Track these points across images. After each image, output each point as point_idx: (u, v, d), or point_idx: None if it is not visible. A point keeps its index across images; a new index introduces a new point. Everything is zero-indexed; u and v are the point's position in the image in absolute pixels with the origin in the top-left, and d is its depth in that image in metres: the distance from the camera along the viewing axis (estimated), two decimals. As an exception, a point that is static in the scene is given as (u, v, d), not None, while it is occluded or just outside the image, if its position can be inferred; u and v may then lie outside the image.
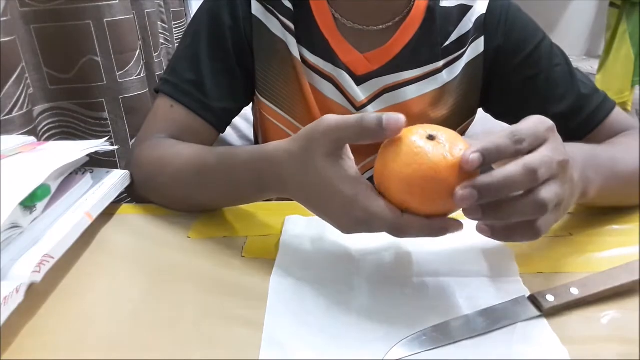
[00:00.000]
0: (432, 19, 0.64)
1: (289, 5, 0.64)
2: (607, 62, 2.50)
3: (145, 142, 0.61)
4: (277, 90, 0.67)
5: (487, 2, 0.64)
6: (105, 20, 0.85)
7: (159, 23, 1.15)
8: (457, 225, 0.38)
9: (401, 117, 0.37)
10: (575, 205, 0.50)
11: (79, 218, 0.47)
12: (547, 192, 0.36)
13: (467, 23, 0.64)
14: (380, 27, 0.64)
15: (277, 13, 0.64)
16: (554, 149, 0.37)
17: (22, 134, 0.74)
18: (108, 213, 0.53)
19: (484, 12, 0.64)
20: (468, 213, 0.36)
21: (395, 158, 0.38)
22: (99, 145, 0.55)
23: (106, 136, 0.91)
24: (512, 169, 0.35)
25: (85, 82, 0.88)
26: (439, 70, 0.65)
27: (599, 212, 0.53)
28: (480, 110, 0.72)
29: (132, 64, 0.92)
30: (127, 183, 0.57)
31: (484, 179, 0.35)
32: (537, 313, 0.39)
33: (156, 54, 1.08)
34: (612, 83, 2.45)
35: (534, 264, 0.46)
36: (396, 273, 0.45)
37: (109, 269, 0.46)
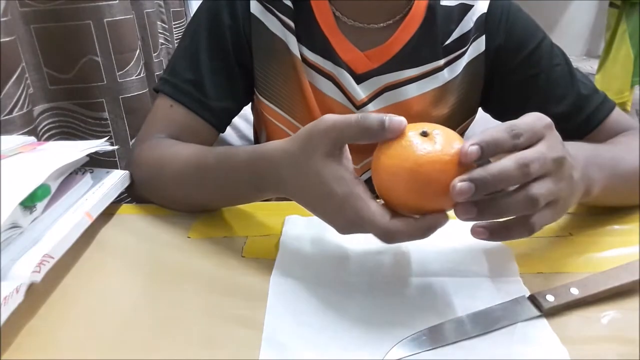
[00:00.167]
0: (433, 17, 0.64)
1: (289, 3, 0.64)
2: (607, 62, 2.50)
3: (145, 142, 0.61)
4: (276, 90, 0.67)
5: (488, 1, 0.64)
6: (105, 20, 0.85)
7: (159, 23, 1.15)
8: (443, 219, 0.37)
9: (403, 120, 0.38)
10: (576, 205, 0.50)
11: (79, 218, 0.47)
12: (539, 188, 0.36)
13: (468, 22, 0.64)
14: (381, 25, 0.64)
15: (276, 12, 0.64)
16: (550, 146, 0.37)
17: (22, 134, 0.74)
18: (108, 213, 0.53)
19: (485, 11, 0.64)
20: (463, 212, 0.36)
21: (385, 152, 0.38)
22: (99, 145, 0.55)
23: (106, 136, 0.91)
24: (505, 162, 0.35)
25: (85, 82, 0.88)
26: (440, 69, 0.65)
27: (599, 212, 0.53)
28: (480, 110, 0.72)
29: (132, 64, 0.92)
30: (127, 183, 0.57)
31: (479, 171, 0.35)
32: (537, 313, 0.39)
33: (155, 53, 1.08)
34: (611, 83, 2.45)
35: (534, 264, 0.46)
36: (396, 273, 0.45)
37: (109, 269, 0.47)
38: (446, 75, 0.65)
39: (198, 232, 0.52)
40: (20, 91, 0.74)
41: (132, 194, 0.60)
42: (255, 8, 0.64)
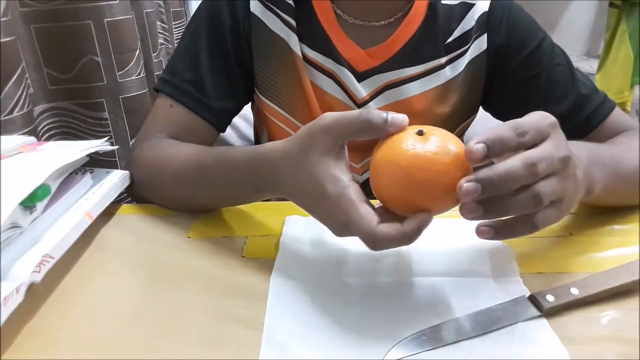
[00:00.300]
0: (434, 15, 0.64)
1: (290, 1, 0.64)
2: (607, 62, 2.51)
3: (144, 142, 0.61)
4: (277, 88, 0.67)
5: (489, 0, 0.64)
6: (105, 20, 0.85)
7: (158, 23, 1.15)
8: (426, 219, 0.37)
9: (406, 117, 0.38)
10: (576, 205, 0.50)
11: (79, 218, 0.47)
12: (544, 187, 0.36)
13: (470, 20, 0.64)
14: (382, 22, 0.64)
15: (277, 10, 0.64)
16: (556, 145, 0.37)
17: (22, 134, 0.74)
18: (108, 213, 0.53)
19: (486, 10, 0.64)
20: (468, 211, 0.36)
21: (381, 151, 0.38)
22: (99, 145, 0.55)
23: (106, 136, 0.91)
24: (512, 162, 0.35)
25: (85, 82, 0.88)
26: (441, 67, 0.65)
27: (599, 212, 0.53)
28: (480, 109, 0.72)
29: (132, 63, 0.92)
30: (127, 183, 0.57)
31: (486, 172, 0.35)
32: (537, 313, 0.39)
33: (155, 54, 1.08)
34: (611, 83, 2.45)
35: (534, 264, 0.46)
36: (396, 273, 0.45)
37: (109, 269, 0.47)
38: (448, 73, 0.65)
39: (198, 232, 0.52)
40: (20, 91, 0.74)
41: (132, 194, 0.60)
42: (255, 7, 0.64)
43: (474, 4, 0.65)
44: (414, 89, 0.65)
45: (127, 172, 0.58)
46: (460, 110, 0.69)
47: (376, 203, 0.40)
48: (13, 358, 0.36)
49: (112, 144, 0.58)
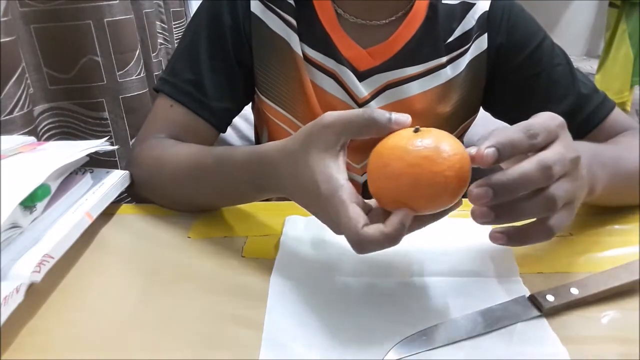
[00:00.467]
0: (435, 15, 0.64)
1: (291, 1, 0.64)
2: (607, 62, 2.51)
3: (144, 142, 0.61)
4: (277, 88, 0.67)
5: (490, 0, 0.64)
6: (105, 20, 0.85)
7: (158, 23, 1.15)
8: (406, 216, 0.36)
9: (409, 116, 0.38)
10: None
11: (79, 218, 0.47)
12: (558, 190, 0.36)
13: (470, 20, 0.64)
14: (383, 22, 0.64)
15: (278, 10, 0.64)
16: (566, 146, 0.37)
17: (22, 134, 0.74)
18: (108, 213, 0.53)
19: (487, 9, 0.64)
20: (479, 217, 0.36)
21: (378, 150, 0.38)
22: (99, 145, 0.55)
23: (106, 136, 0.91)
24: (526, 166, 0.35)
25: (85, 82, 0.88)
26: (442, 66, 0.65)
27: (599, 212, 0.53)
28: (480, 110, 0.72)
29: (132, 63, 0.92)
30: (127, 183, 0.57)
31: (498, 176, 0.34)
32: (537, 313, 0.39)
33: (154, 54, 1.08)
34: (611, 83, 2.45)
35: (534, 264, 0.46)
36: (396, 273, 0.45)
37: (109, 269, 0.47)
38: (449, 72, 0.65)
39: (198, 232, 0.52)
40: (20, 91, 0.74)
41: (132, 194, 0.61)
42: (255, 7, 0.64)
43: (474, 4, 0.65)
44: (414, 89, 0.65)
45: (127, 172, 0.58)
46: (461, 110, 0.69)
47: (373, 202, 0.40)
48: (13, 358, 0.36)
49: (112, 144, 0.58)
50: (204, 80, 0.63)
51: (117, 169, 0.58)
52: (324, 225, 0.41)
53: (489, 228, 0.49)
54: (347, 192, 0.37)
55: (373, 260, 0.46)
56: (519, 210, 0.36)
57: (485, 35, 0.64)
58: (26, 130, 0.76)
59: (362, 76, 0.65)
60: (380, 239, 0.35)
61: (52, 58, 0.86)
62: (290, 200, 0.44)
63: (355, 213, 0.36)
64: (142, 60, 0.95)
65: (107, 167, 0.58)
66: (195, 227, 0.53)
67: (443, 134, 0.37)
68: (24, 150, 0.53)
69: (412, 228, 0.37)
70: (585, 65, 3.14)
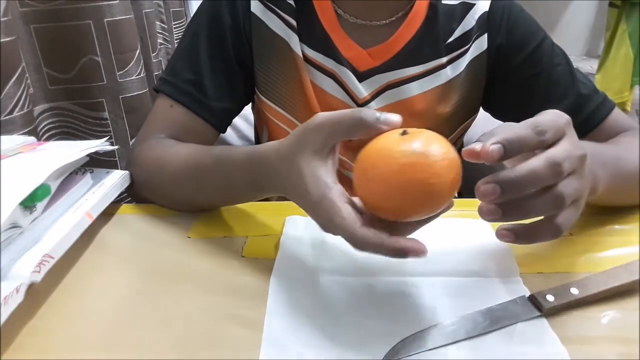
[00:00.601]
0: (435, 15, 0.64)
1: (291, 1, 0.64)
2: (607, 62, 2.51)
3: (144, 142, 0.61)
4: (277, 89, 0.67)
5: (490, 0, 0.64)
6: (105, 20, 0.85)
7: (158, 23, 1.15)
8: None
9: (400, 117, 0.37)
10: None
11: (79, 218, 0.47)
12: (567, 187, 0.36)
13: (470, 20, 0.64)
14: (383, 22, 0.64)
15: (278, 10, 0.64)
16: (574, 143, 0.37)
17: (22, 134, 0.74)
18: (108, 213, 0.53)
19: (487, 9, 0.64)
20: (486, 214, 0.35)
21: (363, 153, 0.37)
22: (99, 145, 0.55)
23: (106, 136, 0.91)
24: (535, 163, 0.34)
25: (85, 82, 0.88)
26: (442, 67, 0.65)
27: (599, 212, 0.53)
28: (480, 110, 0.72)
29: (132, 63, 0.92)
30: (127, 183, 0.57)
31: (506, 173, 0.34)
32: (537, 313, 0.39)
33: (154, 54, 1.08)
34: (611, 83, 2.45)
35: (534, 264, 0.46)
36: (396, 273, 0.45)
37: (109, 269, 0.47)
38: (449, 73, 0.65)
39: (198, 232, 0.52)
40: (20, 91, 0.74)
41: (132, 194, 0.61)
42: (255, 7, 0.64)
43: (474, 4, 0.65)
44: (414, 89, 0.65)
45: (127, 172, 0.58)
46: (461, 110, 0.69)
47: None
48: (13, 358, 0.36)
49: (112, 144, 0.58)
50: (204, 81, 0.63)
51: (117, 169, 0.58)
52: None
53: (489, 228, 0.50)
54: (336, 194, 0.37)
55: (373, 260, 0.46)
56: (527, 207, 0.35)
57: (485, 35, 0.64)
58: (26, 130, 0.76)
59: (362, 77, 0.65)
60: (378, 246, 0.35)
61: (52, 58, 0.85)
62: (290, 200, 0.44)
63: (350, 213, 0.36)
64: (142, 60, 0.95)
65: (107, 167, 0.58)
66: (195, 227, 0.53)
67: (431, 137, 0.36)
68: (24, 150, 0.53)
69: (405, 234, 0.37)
70: (585, 65, 3.14)
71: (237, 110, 0.70)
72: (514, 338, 0.37)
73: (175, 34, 1.30)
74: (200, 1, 0.68)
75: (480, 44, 0.65)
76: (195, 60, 0.63)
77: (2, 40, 0.70)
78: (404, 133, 0.36)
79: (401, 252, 0.35)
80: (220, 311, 0.41)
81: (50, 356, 0.37)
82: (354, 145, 0.40)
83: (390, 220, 0.37)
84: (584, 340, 0.37)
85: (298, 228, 0.51)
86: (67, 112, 0.90)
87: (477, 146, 0.35)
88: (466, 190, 0.90)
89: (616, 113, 0.63)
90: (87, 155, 0.53)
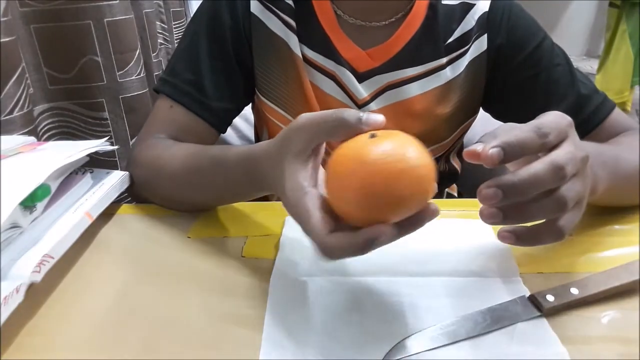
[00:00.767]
0: (434, 16, 0.64)
1: (290, 2, 0.64)
2: (607, 62, 2.51)
3: (144, 142, 0.61)
4: (277, 89, 0.67)
5: (490, 0, 0.64)
6: (105, 20, 0.85)
7: (158, 23, 1.15)
8: (383, 234, 0.33)
9: (383, 116, 0.36)
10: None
11: (79, 218, 0.47)
12: (569, 190, 0.35)
13: (470, 20, 0.64)
14: (383, 23, 0.64)
15: (277, 11, 0.64)
16: (576, 145, 0.37)
17: (22, 134, 0.74)
18: (108, 213, 0.53)
19: (487, 10, 0.64)
20: (487, 217, 0.35)
21: (333, 157, 0.36)
22: (99, 145, 0.55)
23: (106, 136, 0.91)
24: (538, 166, 0.34)
25: (85, 82, 0.88)
26: (442, 67, 0.65)
27: (599, 212, 0.53)
28: (480, 110, 0.72)
29: (132, 63, 0.92)
30: (126, 184, 0.57)
31: (509, 177, 0.34)
32: (537, 313, 0.39)
33: (154, 54, 1.08)
34: (611, 83, 2.45)
35: (534, 264, 0.46)
36: (396, 273, 0.45)
37: (109, 269, 0.47)
38: (448, 73, 0.65)
39: (198, 232, 0.52)
40: (20, 91, 0.74)
41: (132, 194, 0.61)
42: (255, 7, 0.64)
43: (474, 4, 0.65)
44: (414, 90, 0.65)
45: (127, 173, 0.58)
46: (461, 110, 0.69)
47: None
48: (13, 358, 0.36)
49: (112, 144, 0.58)
50: (204, 81, 0.63)
51: (117, 169, 0.58)
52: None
53: (489, 228, 0.49)
54: (310, 199, 0.35)
55: (373, 260, 0.46)
56: (528, 211, 0.35)
57: (485, 35, 0.64)
58: (26, 130, 0.76)
59: (361, 77, 0.65)
60: (347, 247, 0.33)
61: (52, 58, 0.85)
62: None
63: (320, 221, 0.34)
64: (142, 60, 0.95)
65: (107, 167, 0.58)
66: (195, 227, 0.53)
67: (400, 140, 0.34)
68: (24, 150, 0.53)
69: (386, 242, 0.35)
70: (585, 65, 3.15)
71: (237, 111, 0.70)
72: (514, 338, 0.37)
73: (175, 34, 1.30)
74: (200, 1, 0.68)
75: (480, 45, 0.65)
76: (195, 61, 0.63)
77: (2, 40, 0.70)
78: (373, 136, 0.35)
79: (369, 242, 0.33)
80: (220, 311, 0.41)
81: (50, 356, 0.37)
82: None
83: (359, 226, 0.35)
84: (584, 340, 0.37)
85: (298, 228, 0.51)
86: (67, 112, 0.90)
87: (479, 147, 0.35)
88: (466, 190, 0.91)
89: (616, 113, 0.63)
90: (87, 155, 0.53)
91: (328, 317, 0.40)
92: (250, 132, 0.93)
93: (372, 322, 0.39)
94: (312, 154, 0.38)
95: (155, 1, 1.12)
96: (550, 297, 0.39)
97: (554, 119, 0.37)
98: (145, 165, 0.58)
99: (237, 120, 0.92)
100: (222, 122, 0.66)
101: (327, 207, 0.36)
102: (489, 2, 0.64)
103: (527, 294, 0.41)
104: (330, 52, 0.64)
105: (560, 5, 3.37)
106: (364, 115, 0.36)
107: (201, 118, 0.63)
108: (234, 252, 0.48)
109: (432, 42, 0.64)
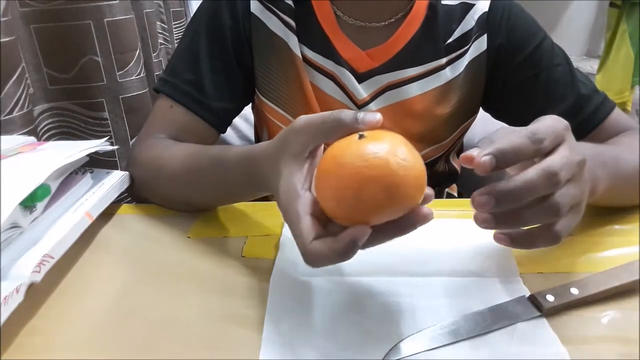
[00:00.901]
0: (434, 16, 0.64)
1: (290, 2, 0.64)
2: (607, 62, 2.51)
3: (144, 142, 0.61)
4: (277, 89, 0.67)
5: (489, 0, 0.64)
6: (105, 20, 0.85)
7: (158, 23, 1.15)
8: (360, 233, 0.33)
9: (378, 114, 0.36)
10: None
11: (79, 218, 0.47)
12: (563, 196, 0.35)
13: (470, 21, 0.64)
14: (382, 23, 0.64)
15: (277, 11, 0.64)
16: (572, 149, 0.36)
17: (22, 134, 0.74)
18: (108, 213, 0.53)
19: (486, 10, 0.64)
20: (481, 222, 0.36)
21: (322, 159, 0.36)
22: (99, 145, 0.55)
23: (106, 136, 0.91)
24: (532, 173, 0.34)
25: (85, 82, 0.88)
26: (442, 68, 0.65)
27: (599, 212, 0.53)
28: (480, 110, 0.72)
29: (132, 63, 0.92)
30: (126, 184, 0.57)
31: (502, 185, 0.34)
32: (537, 313, 0.39)
33: (155, 54, 1.08)
34: (612, 83, 2.45)
35: (534, 264, 0.46)
36: (396, 273, 0.45)
37: (109, 269, 0.47)
38: (448, 74, 0.65)
39: (198, 232, 0.52)
40: (20, 91, 0.74)
41: (131, 194, 0.61)
42: (255, 7, 0.64)
43: (474, 4, 0.64)
44: (414, 90, 0.65)
45: (127, 173, 0.58)
46: (461, 111, 0.69)
47: None
48: (13, 358, 0.36)
49: (112, 144, 0.58)
50: (203, 81, 0.63)
51: (117, 169, 0.58)
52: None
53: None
54: (302, 203, 0.35)
55: (373, 260, 0.46)
56: (522, 217, 0.35)
57: (485, 35, 0.64)
58: (26, 130, 0.76)
59: (361, 78, 0.65)
60: (329, 254, 0.33)
61: (52, 58, 0.86)
62: None
63: (306, 227, 0.34)
64: (142, 60, 0.95)
65: (107, 167, 0.58)
66: (195, 227, 0.53)
67: (387, 141, 0.34)
68: (24, 150, 0.53)
69: (369, 244, 0.34)
70: (585, 65, 3.15)
71: (237, 111, 0.70)
72: (514, 338, 0.37)
73: (175, 34, 1.30)
74: (200, 1, 0.68)
75: (480, 45, 0.65)
76: (195, 61, 0.63)
77: (2, 40, 0.70)
78: (361, 137, 0.34)
79: (351, 245, 0.33)
80: (220, 311, 0.41)
81: (50, 356, 0.37)
82: None
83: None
84: (584, 340, 0.37)
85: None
86: (67, 112, 0.90)
87: (474, 152, 0.35)
88: (466, 190, 0.91)
89: (616, 113, 0.63)
90: (87, 155, 0.53)
91: (328, 317, 0.40)
92: (250, 132, 0.93)
93: (372, 322, 0.39)
94: (310, 157, 0.38)
95: (155, 1, 1.12)
96: (550, 297, 0.39)
97: (550, 124, 0.37)
98: (145, 165, 0.58)
99: (237, 120, 0.92)
100: (222, 122, 0.66)
101: (319, 212, 0.35)
102: (488, 2, 0.64)
103: (527, 294, 0.41)
104: (329, 52, 0.64)
105: (560, 5, 3.37)
106: (361, 114, 0.36)
107: (201, 118, 0.63)
108: (233, 252, 0.48)
109: (432, 42, 0.64)
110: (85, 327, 0.39)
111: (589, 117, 0.62)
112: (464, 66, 0.65)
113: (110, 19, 0.86)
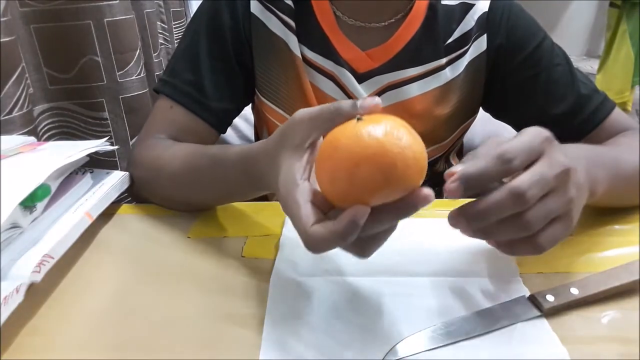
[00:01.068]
0: (434, 16, 0.64)
1: (289, 2, 0.64)
2: (607, 62, 2.51)
3: (144, 142, 0.61)
4: (277, 89, 0.67)
5: (489, 0, 0.64)
6: (105, 20, 0.85)
7: (158, 23, 1.15)
8: (359, 212, 0.32)
9: (377, 98, 0.36)
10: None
11: (79, 218, 0.47)
12: (536, 212, 0.36)
13: (470, 21, 0.64)
14: (382, 24, 0.64)
15: (277, 11, 0.64)
16: (551, 163, 0.36)
17: (22, 134, 0.74)
18: (108, 213, 0.53)
19: (486, 10, 0.64)
20: (462, 232, 0.38)
21: (323, 142, 0.36)
22: (99, 145, 0.55)
23: (106, 136, 0.91)
24: (498, 194, 0.35)
25: (85, 82, 0.88)
26: (441, 68, 0.65)
27: (599, 212, 0.53)
28: (480, 110, 0.72)
29: (132, 63, 0.92)
30: (126, 184, 0.57)
31: (469, 206, 0.36)
32: (537, 313, 0.39)
33: (155, 54, 1.08)
34: (612, 83, 2.45)
35: (534, 264, 0.46)
36: (396, 273, 0.45)
37: (108, 269, 0.47)
38: (448, 74, 0.65)
39: (198, 232, 0.52)
40: (20, 91, 0.74)
41: (132, 194, 0.61)
42: (255, 8, 0.64)
43: (473, 5, 0.64)
44: (414, 90, 0.65)
45: (127, 173, 0.58)
46: (461, 111, 0.69)
47: None
48: (13, 358, 0.36)
49: (112, 144, 0.59)
50: (203, 81, 0.63)
51: (117, 169, 0.58)
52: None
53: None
54: (302, 191, 0.35)
55: (373, 260, 0.46)
56: (495, 233, 0.37)
57: (485, 35, 0.64)
58: (26, 130, 0.76)
59: (361, 78, 0.65)
60: (329, 237, 0.32)
61: (52, 58, 0.86)
62: None
63: (306, 213, 0.34)
64: (142, 60, 0.95)
65: (107, 167, 0.58)
66: (195, 227, 0.53)
67: (387, 123, 0.33)
68: (24, 150, 0.53)
69: (370, 226, 0.34)
70: (585, 65, 3.15)
71: (237, 111, 0.70)
72: (514, 338, 0.37)
73: (175, 34, 1.30)
74: (200, 1, 0.68)
75: (480, 45, 0.65)
76: (195, 61, 0.63)
77: (2, 40, 0.70)
78: (359, 120, 0.34)
79: (350, 223, 0.32)
80: (220, 311, 0.41)
81: (50, 356, 0.37)
82: None
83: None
84: (584, 340, 0.37)
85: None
86: (67, 112, 0.90)
87: (458, 168, 0.36)
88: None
89: (616, 113, 0.63)
90: (87, 155, 0.53)
91: (328, 317, 0.40)
92: (250, 132, 0.93)
93: (372, 322, 0.39)
94: (309, 149, 0.38)
95: (155, 1, 1.12)
96: (550, 297, 0.40)
97: (525, 140, 0.37)
98: (145, 166, 0.58)
99: (237, 120, 0.92)
100: (222, 122, 0.66)
101: (319, 200, 0.35)
102: (488, 2, 0.64)
103: (527, 294, 0.41)
104: (329, 52, 0.64)
105: (560, 5, 3.37)
106: (359, 100, 0.36)
107: (201, 118, 0.63)
108: (233, 252, 0.48)
109: (432, 42, 0.64)
110: (85, 327, 0.39)
111: (589, 117, 0.62)
112: (463, 66, 0.65)
113: (110, 19, 0.86)
